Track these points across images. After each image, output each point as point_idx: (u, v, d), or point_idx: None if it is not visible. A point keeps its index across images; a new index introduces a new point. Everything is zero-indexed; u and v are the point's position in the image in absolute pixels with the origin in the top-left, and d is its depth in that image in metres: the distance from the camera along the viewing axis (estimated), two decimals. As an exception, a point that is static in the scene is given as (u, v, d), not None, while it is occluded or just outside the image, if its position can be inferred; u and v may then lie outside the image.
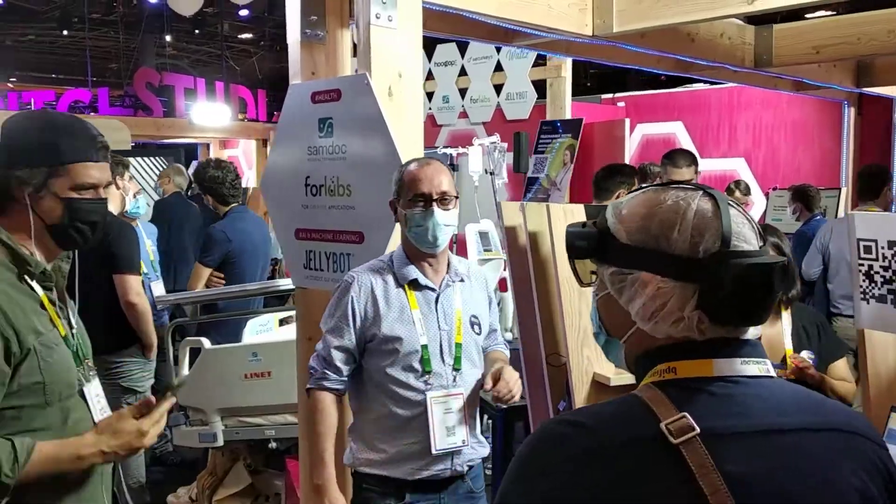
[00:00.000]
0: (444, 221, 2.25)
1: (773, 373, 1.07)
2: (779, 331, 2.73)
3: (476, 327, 2.38)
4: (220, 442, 3.56)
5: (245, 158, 13.95)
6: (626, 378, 3.00)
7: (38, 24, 17.12)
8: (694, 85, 8.16)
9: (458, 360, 2.30)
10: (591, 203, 3.80)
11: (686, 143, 7.92)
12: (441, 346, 2.27)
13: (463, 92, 8.29)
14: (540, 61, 7.43)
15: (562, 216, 2.86)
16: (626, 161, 6.99)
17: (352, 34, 3.06)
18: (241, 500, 3.87)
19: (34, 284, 1.72)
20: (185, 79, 14.32)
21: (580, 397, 2.65)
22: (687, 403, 1.01)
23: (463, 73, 8.27)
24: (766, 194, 7.23)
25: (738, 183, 6.75)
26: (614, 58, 4.43)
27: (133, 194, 4.17)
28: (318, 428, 2.25)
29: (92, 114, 12.91)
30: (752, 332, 1.08)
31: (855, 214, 2.52)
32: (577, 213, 3.03)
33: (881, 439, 1.12)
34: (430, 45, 8.26)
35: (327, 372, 2.25)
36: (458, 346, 2.30)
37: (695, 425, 0.98)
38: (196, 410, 3.59)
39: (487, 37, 3.89)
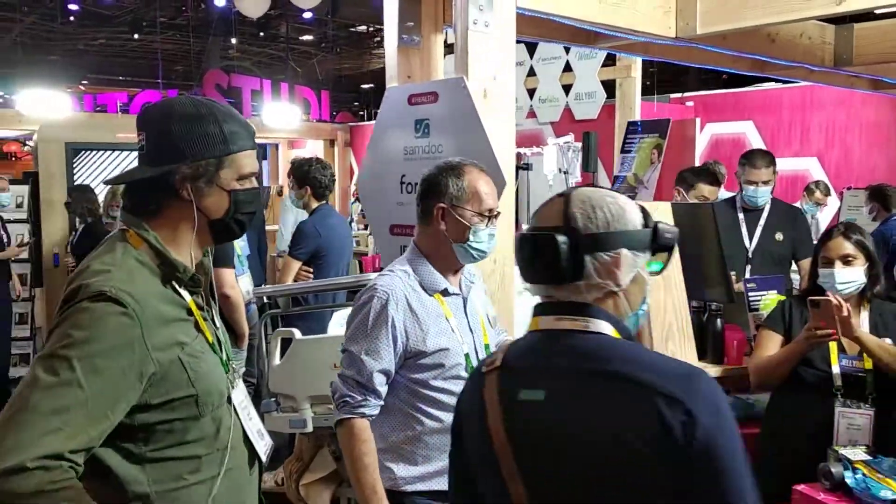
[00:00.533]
0: None
1: (594, 329, 1.29)
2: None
3: (490, 323, 2.34)
4: (310, 428, 3.68)
5: (312, 159, 14.14)
6: (710, 371, 3.08)
7: (109, 28, 17.68)
8: (764, 84, 8.09)
9: None
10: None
11: (756, 142, 7.87)
12: (476, 351, 2.21)
13: (531, 92, 8.35)
14: (609, 61, 7.46)
15: (650, 213, 2.92)
16: (697, 161, 7.03)
17: (444, 39, 3.19)
18: (326, 485, 4.01)
19: (181, 290, 1.57)
20: (251, 80, 14.65)
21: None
22: (513, 347, 1.38)
23: (531, 73, 8.33)
24: (840, 194, 7.15)
25: (817, 183, 6.93)
26: (691, 58, 4.47)
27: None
28: (366, 460, 2.06)
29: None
30: (584, 296, 1.30)
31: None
32: (664, 211, 3.11)
33: (679, 392, 1.18)
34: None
35: (368, 398, 2.08)
36: (487, 347, 2.25)
37: (498, 362, 1.35)
38: (287, 397, 3.73)
39: (570, 39, 3.96)
